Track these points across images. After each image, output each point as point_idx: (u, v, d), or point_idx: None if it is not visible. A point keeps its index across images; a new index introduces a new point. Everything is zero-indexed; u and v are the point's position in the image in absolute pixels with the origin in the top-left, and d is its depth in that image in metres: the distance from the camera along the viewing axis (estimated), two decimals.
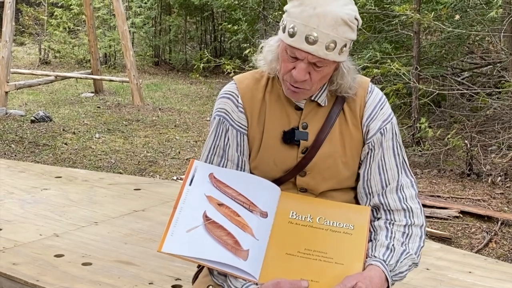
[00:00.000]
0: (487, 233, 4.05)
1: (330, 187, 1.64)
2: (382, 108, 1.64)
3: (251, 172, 1.65)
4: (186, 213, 1.51)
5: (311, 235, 1.53)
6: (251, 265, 1.46)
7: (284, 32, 1.51)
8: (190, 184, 1.56)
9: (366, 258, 1.52)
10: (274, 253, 1.50)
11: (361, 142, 1.63)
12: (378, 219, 1.62)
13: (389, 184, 1.61)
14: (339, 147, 1.61)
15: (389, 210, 1.60)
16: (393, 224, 1.59)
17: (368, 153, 1.63)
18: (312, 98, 1.61)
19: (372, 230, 1.60)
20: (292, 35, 1.47)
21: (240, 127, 1.63)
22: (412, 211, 1.60)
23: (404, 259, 1.54)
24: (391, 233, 1.57)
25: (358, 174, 1.66)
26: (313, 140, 1.60)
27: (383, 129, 1.62)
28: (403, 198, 1.61)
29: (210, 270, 1.55)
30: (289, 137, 1.60)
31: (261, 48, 1.63)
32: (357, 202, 1.69)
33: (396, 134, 1.65)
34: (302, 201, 1.60)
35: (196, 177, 1.58)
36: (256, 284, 1.46)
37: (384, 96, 1.68)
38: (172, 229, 1.48)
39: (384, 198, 1.61)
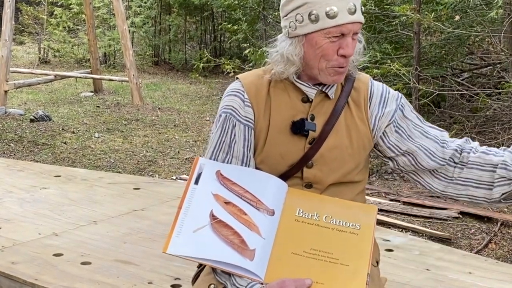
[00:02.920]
0: (486, 234, 4.05)
1: (336, 179, 1.64)
2: (389, 92, 1.69)
3: (256, 168, 1.64)
4: (192, 213, 1.49)
5: (317, 234, 1.52)
6: (257, 264, 1.45)
7: (315, 22, 1.52)
8: (195, 183, 1.54)
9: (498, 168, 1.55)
10: (280, 253, 1.49)
11: (367, 135, 1.65)
12: (468, 152, 1.63)
13: (440, 137, 1.66)
14: (345, 139, 1.63)
15: (463, 149, 1.64)
16: (478, 149, 1.64)
17: (396, 131, 1.66)
18: (323, 90, 1.62)
19: (478, 159, 1.61)
20: (333, 16, 1.50)
21: (248, 121, 1.63)
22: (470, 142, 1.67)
23: None
24: (488, 149, 1.62)
25: (362, 169, 1.68)
26: (320, 131, 1.61)
27: (400, 105, 1.67)
28: (455, 140, 1.67)
29: (213, 268, 1.54)
30: (299, 127, 1.60)
31: (276, 54, 1.60)
32: (362, 198, 1.70)
33: (411, 107, 1.71)
34: (309, 198, 1.59)
35: (203, 175, 1.56)
36: (262, 283, 1.45)
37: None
38: (178, 230, 1.46)
39: (450, 145, 1.64)
